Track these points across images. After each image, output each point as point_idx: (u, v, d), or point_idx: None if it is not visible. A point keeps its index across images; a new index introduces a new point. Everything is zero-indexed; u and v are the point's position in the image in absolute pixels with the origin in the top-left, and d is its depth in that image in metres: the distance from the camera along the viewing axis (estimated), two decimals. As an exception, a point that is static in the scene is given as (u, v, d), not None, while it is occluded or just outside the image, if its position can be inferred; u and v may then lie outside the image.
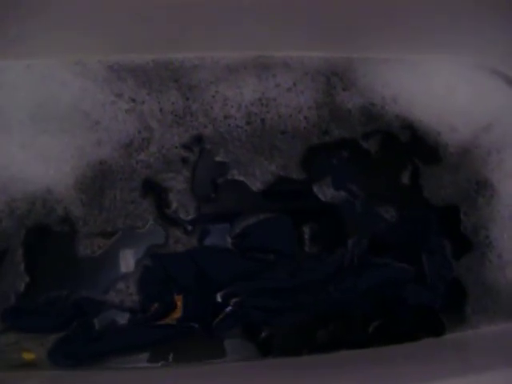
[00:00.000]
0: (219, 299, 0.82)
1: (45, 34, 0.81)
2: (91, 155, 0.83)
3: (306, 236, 0.85)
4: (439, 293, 0.87)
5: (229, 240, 0.83)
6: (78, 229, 0.81)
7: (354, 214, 0.86)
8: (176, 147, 0.85)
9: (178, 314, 0.81)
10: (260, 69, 0.88)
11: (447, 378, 0.68)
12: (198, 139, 0.86)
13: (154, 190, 0.83)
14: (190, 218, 0.83)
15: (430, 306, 0.86)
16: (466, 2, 0.83)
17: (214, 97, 0.87)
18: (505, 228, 0.89)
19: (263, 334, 0.82)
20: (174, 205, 0.83)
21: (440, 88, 0.92)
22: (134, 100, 0.85)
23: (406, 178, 0.89)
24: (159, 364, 0.79)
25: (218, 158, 0.86)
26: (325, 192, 0.86)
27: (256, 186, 0.85)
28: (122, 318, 0.80)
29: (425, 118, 0.90)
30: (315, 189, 0.86)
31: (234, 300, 0.82)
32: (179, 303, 0.81)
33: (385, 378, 0.70)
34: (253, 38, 0.85)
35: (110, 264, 0.81)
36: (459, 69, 0.93)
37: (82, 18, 0.78)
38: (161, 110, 0.85)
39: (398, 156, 0.90)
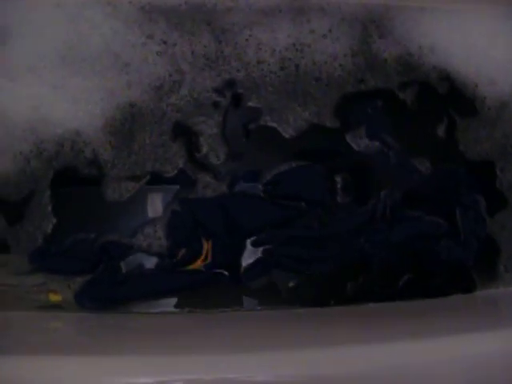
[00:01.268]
0: (248, 246, 0.80)
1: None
2: (121, 97, 0.82)
3: (339, 186, 0.83)
4: (472, 249, 0.85)
5: (259, 187, 0.82)
6: (106, 172, 0.80)
7: (388, 165, 0.85)
8: (208, 91, 0.83)
9: (206, 260, 0.79)
10: (295, 13, 0.86)
11: (476, 333, 0.66)
12: (231, 83, 0.84)
13: (184, 133, 0.82)
14: (220, 163, 0.82)
15: (463, 262, 0.85)
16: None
17: (247, 41, 0.85)
18: (541, 186, 0.87)
19: (292, 283, 0.81)
20: (205, 149, 0.82)
21: (479, 39, 0.89)
22: (165, 42, 0.83)
23: (441, 131, 0.87)
24: (185, 310, 0.79)
25: (250, 104, 0.84)
26: (358, 142, 0.85)
27: (289, 132, 0.83)
28: (149, 263, 0.79)
29: (463, 70, 0.88)
30: (349, 138, 0.85)
31: (263, 247, 0.80)
32: (207, 249, 0.79)
33: (412, 330, 0.69)
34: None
35: (137, 208, 0.80)
36: (499, 19, 0.90)
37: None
38: (192, 52, 0.84)
39: (435, 108, 0.88)
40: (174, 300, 0.79)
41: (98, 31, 0.83)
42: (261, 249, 0.81)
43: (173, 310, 0.79)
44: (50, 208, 0.79)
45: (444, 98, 0.88)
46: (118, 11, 0.84)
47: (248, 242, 0.81)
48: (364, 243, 0.82)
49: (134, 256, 0.79)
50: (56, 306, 0.77)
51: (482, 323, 0.72)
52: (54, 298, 0.77)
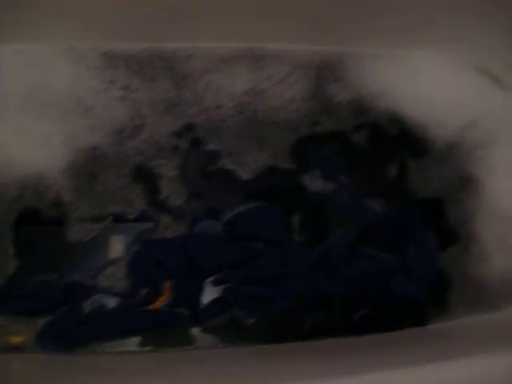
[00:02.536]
0: (208, 285, 0.82)
1: (39, 20, 0.81)
2: (83, 141, 0.84)
3: (295, 225, 0.86)
4: (424, 283, 0.88)
5: (218, 227, 0.84)
6: (68, 214, 0.82)
7: (342, 204, 0.88)
8: (168, 135, 0.86)
9: (166, 299, 0.81)
10: (253, 60, 0.90)
11: (428, 365, 0.69)
12: (190, 127, 0.87)
13: (145, 176, 0.84)
14: (180, 204, 0.84)
15: (415, 297, 0.87)
16: (457, 2, 0.85)
17: (206, 86, 0.88)
18: (487, 222, 0.91)
19: (251, 321, 0.82)
20: (165, 191, 0.84)
21: (428, 84, 0.94)
22: (126, 87, 0.86)
23: (393, 171, 0.91)
24: (147, 349, 0.80)
25: (209, 147, 0.87)
26: (314, 182, 0.88)
27: (246, 174, 0.86)
28: (111, 303, 0.81)
29: (412, 113, 0.92)
30: (305, 179, 0.88)
31: (222, 287, 0.82)
32: (168, 289, 0.81)
33: (367, 364, 0.71)
34: (246, 29, 0.86)
35: (100, 249, 0.82)
36: (447, 65, 0.95)
37: (77, 4, 0.79)
38: (153, 97, 0.86)
39: (386, 149, 0.92)
40: (136, 339, 0.80)
41: (60, 77, 0.85)
42: (220, 287, 0.82)
43: (135, 349, 0.80)
44: (12, 250, 0.80)
45: (395, 139, 0.92)
46: (80, 57, 0.86)
47: (208, 281, 0.82)
48: (320, 280, 0.84)
49: (96, 296, 0.80)
50: (18, 348, 0.78)
51: (434, 355, 0.74)
52: (16, 339, 0.78)
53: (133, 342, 0.79)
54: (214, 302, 0.82)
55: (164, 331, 0.81)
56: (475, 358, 0.69)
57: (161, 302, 0.81)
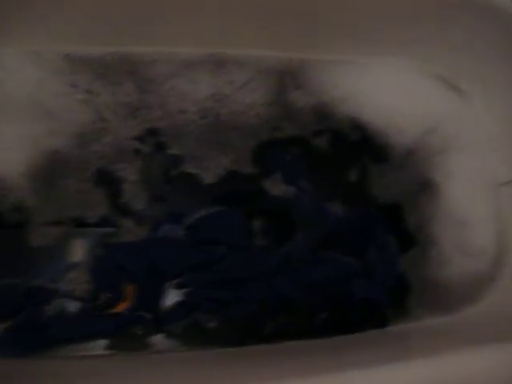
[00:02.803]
0: (170, 289, 0.82)
1: (2, 24, 0.80)
2: (45, 144, 0.84)
3: (257, 229, 0.87)
4: (384, 287, 0.89)
5: (180, 231, 0.84)
6: (29, 218, 0.81)
7: (303, 208, 0.89)
8: (130, 139, 0.86)
9: (128, 303, 0.81)
10: (215, 65, 0.91)
11: (386, 365, 0.70)
12: (153, 132, 0.87)
13: (107, 180, 0.84)
14: (142, 208, 0.84)
15: (376, 299, 0.89)
16: (416, 11, 0.87)
17: (170, 91, 0.89)
18: (445, 226, 0.93)
19: (213, 324, 0.83)
20: (127, 195, 0.84)
21: (388, 91, 0.96)
22: (89, 91, 0.86)
23: (353, 176, 0.92)
24: (109, 353, 0.79)
25: (172, 151, 0.87)
26: (275, 187, 0.89)
27: (208, 179, 0.87)
28: (73, 307, 0.80)
29: (373, 119, 0.94)
30: (266, 183, 0.89)
31: (184, 290, 0.83)
32: (130, 292, 0.81)
33: (327, 366, 0.72)
34: (209, 35, 0.87)
35: (61, 253, 0.82)
36: (407, 73, 0.97)
37: (41, 8, 0.79)
38: (116, 101, 0.87)
39: (347, 154, 0.93)
40: (98, 343, 0.79)
41: (22, 79, 0.85)
42: (182, 291, 0.83)
43: (97, 353, 0.79)
44: (-28, 254, 0.79)
45: (356, 145, 0.93)
46: (43, 60, 0.86)
47: (170, 285, 0.82)
48: (282, 284, 0.85)
49: (57, 301, 0.80)
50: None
51: (393, 356, 0.75)
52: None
53: (95, 346, 0.79)
54: (176, 305, 0.82)
55: (126, 335, 0.80)
56: (433, 358, 0.70)
57: (123, 306, 0.81)
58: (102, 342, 0.79)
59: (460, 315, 0.90)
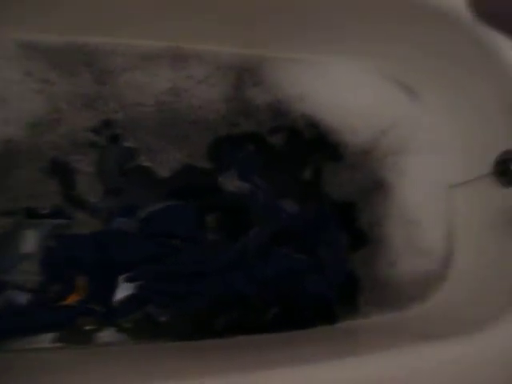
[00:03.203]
0: (122, 282, 0.82)
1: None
2: (-3, 133, 0.82)
3: (211, 224, 0.87)
4: (335, 283, 0.91)
5: (134, 224, 0.84)
6: (-20, 207, 0.80)
7: (257, 205, 0.90)
8: (85, 130, 0.85)
9: (79, 295, 0.81)
10: (174, 59, 0.91)
11: (333, 361, 0.71)
12: (108, 124, 0.87)
13: (60, 171, 0.84)
14: (96, 200, 0.84)
15: (326, 296, 0.90)
16: (376, 13, 0.89)
17: (127, 83, 0.88)
18: (397, 225, 0.95)
19: (164, 318, 0.83)
20: (81, 187, 0.84)
21: (344, 91, 0.98)
22: (44, 80, 0.85)
23: (308, 174, 0.94)
24: (57, 346, 0.79)
25: (126, 144, 0.87)
26: (230, 182, 0.89)
27: (163, 172, 0.87)
28: (23, 299, 0.79)
29: (328, 118, 0.96)
30: (221, 179, 0.90)
31: (136, 283, 0.83)
32: (81, 285, 0.81)
33: (275, 360, 0.73)
34: (169, 28, 0.87)
35: (12, 244, 0.80)
36: (363, 74, 0.99)
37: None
38: (72, 92, 0.86)
39: (302, 152, 0.95)
40: (45, 336, 0.78)
41: (-26, 66, 0.83)
42: (134, 284, 0.83)
43: (46, 345, 0.78)
44: None
45: (311, 143, 0.95)
46: (-2, 47, 0.84)
47: (122, 277, 0.82)
48: (234, 279, 0.86)
49: (7, 292, 0.79)
50: None
51: (342, 352, 0.76)
52: None
53: (43, 339, 0.78)
54: (128, 298, 0.82)
55: (75, 328, 0.79)
56: (381, 354, 0.72)
57: (74, 299, 0.80)
58: (51, 336, 0.78)
59: (408, 313, 0.93)
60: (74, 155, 0.84)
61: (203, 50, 0.92)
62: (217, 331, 0.84)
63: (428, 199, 0.99)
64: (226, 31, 0.89)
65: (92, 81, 0.87)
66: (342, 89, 0.97)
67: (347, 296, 0.91)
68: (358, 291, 0.92)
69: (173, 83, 0.90)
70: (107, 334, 0.80)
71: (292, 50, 0.94)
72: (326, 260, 0.91)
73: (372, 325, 0.91)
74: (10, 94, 0.83)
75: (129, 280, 0.82)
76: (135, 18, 0.85)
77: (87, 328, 0.80)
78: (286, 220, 0.90)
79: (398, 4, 0.86)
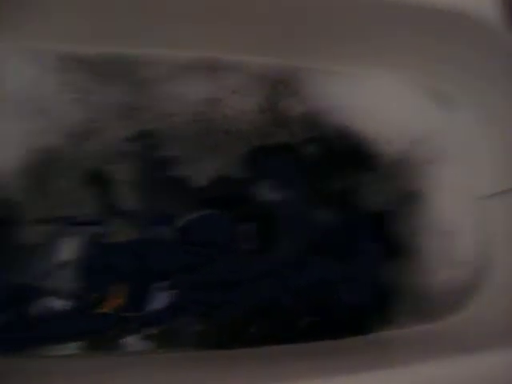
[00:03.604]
0: (158, 291, 0.83)
1: (1, 19, 0.81)
2: (37, 142, 0.84)
3: (245, 233, 0.88)
4: (369, 293, 0.91)
5: (170, 233, 0.85)
6: (19, 215, 0.81)
7: (292, 214, 0.90)
8: (123, 140, 0.87)
9: (116, 303, 0.81)
10: (210, 70, 0.92)
11: (368, 372, 0.71)
12: (145, 134, 0.88)
13: (98, 180, 0.85)
14: (133, 209, 0.85)
15: (360, 306, 0.90)
16: (413, 27, 0.89)
17: (163, 93, 0.89)
18: (432, 236, 0.94)
19: (198, 327, 0.83)
20: (118, 196, 0.85)
21: (379, 102, 0.97)
22: (83, 91, 0.87)
23: (342, 184, 0.94)
24: (94, 352, 0.80)
25: (163, 153, 0.88)
26: (264, 192, 0.89)
27: (199, 182, 0.88)
28: (60, 306, 0.80)
29: (363, 129, 0.95)
30: (255, 188, 0.90)
31: (172, 292, 0.83)
32: (118, 293, 0.81)
33: (307, 371, 0.73)
34: (206, 39, 0.88)
35: (50, 251, 0.81)
36: (399, 86, 0.99)
37: (40, 5, 0.79)
38: (110, 102, 0.87)
39: (336, 162, 0.94)
40: (82, 343, 0.80)
41: (17, 76, 0.85)
42: (170, 293, 0.83)
43: (82, 352, 0.79)
44: (-40, 251, 0.79)
45: (345, 153, 0.95)
46: (38, 58, 0.86)
47: (158, 286, 0.83)
48: (269, 288, 0.86)
49: (44, 299, 0.80)
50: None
51: (375, 363, 0.76)
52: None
53: (80, 346, 0.79)
54: (164, 307, 0.83)
55: (111, 335, 0.80)
56: (415, 366, 0.71)
57: (110, 306, 0.81)
58: (88, 342, 0.79)
59: (443, 324, 0.92)
60: (112, 164, 0.85)
61: (239, 61, 0.92)
62: (250, 340, 0.84)
63: (463, 210, 0.98)
64: (262, 42, 0.90)
65: (130, 91, 0.88)
66: (377, 100, 0.97)
67: (381, 306, 0.91)
68: (393, 301, 0.91)
69: (208, 93, 0.91)
70: (134, 342, 0.81)
71: (328, 61, 0.95)
72: (360, 270, 0.90)
73: (406, 335, 0.90)
74: (49, 105, 0.85)
75: (165, 289, 0.83)
76: (172, 29, 0.86)
77: (120, 335, 0.80)
78: (320, 230, 0.90)
79: (435, 17, 0.85)
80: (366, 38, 0.89)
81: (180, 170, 0.87)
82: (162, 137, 0.88)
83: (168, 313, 0.83)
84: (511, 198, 0.94)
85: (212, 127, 0.90)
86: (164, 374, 0.75)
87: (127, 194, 0.85)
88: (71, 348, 0.79)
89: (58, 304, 0.80)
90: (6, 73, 0.85)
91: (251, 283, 0.86)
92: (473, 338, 0.85)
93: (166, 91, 0.89)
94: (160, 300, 0.83)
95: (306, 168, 0.93)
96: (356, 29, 0.88)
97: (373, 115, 0.96)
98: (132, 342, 0.81)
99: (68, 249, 0.82)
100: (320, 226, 0.91)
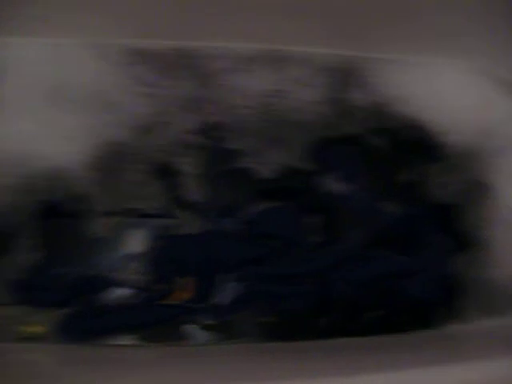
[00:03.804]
0: (225, 283, 0.83)
1: (67, 14, 0.82)
2: (107, 136, 0.85)
3: (311, 226, 0.87)
4: (436, 287, 0.89)
5: (237, 225, 0.85)
6: (89, 207, 0.83)
7: (358, 206, 0.89)
8: (190, 133, 0.87)
9: (184, 295, 0.82)
10: (276, 61, 0.91)
11: (434, 367, 0.69)
12: (212, 126, 0.88)
13: (165, 172, 0.85)
14: (200, 201, 0.85)
15: (427, 299, 0.88)
16: (484, 15, 0.86)
17: (229, 86, 0.89)
18: (502, 228, 0.92)
19: (266, 319, 0.83)
20: (186, 188, 0.85)
21: (449, 92, 0.95)
22: (150, 84, 0.87)
23: (410, 175, 0.92)
24: (163, 343, 0.81)
25: (230, 145, 0.88)
26: (331, 184, 0.89)
27: (266, 174, 0.87)
28: (129, 296, 0.82)
29: (432, 119, 0.93)
30: (320, 180, 0.89)
31: (241, 284, 0.83)
32: (186, 285, 0.82)
33: (376, 364, 0.72)
34: (271, 30, 0.88)
35: (119, 243, 0.83)
36: (469, 75, 0.96)
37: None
38: (178, 95, 0.88)
39: (404, 153, 0.93)
40: (151, 333, 0.80)
41: (86, 71, 0.86)
42: (238, 285, 0.83)
43: (150, 343, 0.80)
44: (33, 241, 0.81)
45: (414, 144, 0.93)
46: (105, 53, 0.87)
47: (226, 278, 0.83)
48: (335, 281, 0.85)
49: (113, 290, 0.81)
50: (35, 338, 0.78)
51: (445, 357, 0.74)
52: (34, 329, 0.79)
53: (147, 336, 0.80)
54: (232, 299, 0.83)
55: (180, 326, 0.81)
56: (486, 361, 0.70)
57: (178, 298, 0.82)
58: (156, 332, 0.81)
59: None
60: (179, 157, 0.86)
61: (304, 52, 0.92)
62: (316, 333, 0.84)
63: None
64: (328, 32, 0.89)
65: (196, 84, 0.88)
66: (446, 90, 0.95)
67: (449, 300, 0.89)
68: (461, 295, 0.89)
69: (274, 85, 0.90)
70: (207, 333, 0.81)
71: (396, 51, 0.93)
72: (427, 262, 0.89)
73: (475, 330, 0.88)
74: (117, 98, 0.86)
75: (232, 281, 0.83)
76: (238, 21, 0.85)
77: (189, 326, 0.81)
78: (387, 222, 0.89)
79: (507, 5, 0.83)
80: (436, 26, 0.87)
81: (245, 162, 0.87)
82: (229, 129, 0.88)
83: (234, 305, 0.83)
84: None
85: (277, 119, 0.89)
86: (227, 364, 0.75)
87: (193, 186, 0.85)
88: (134, 338, 0.80)
89: (127, 295, 0.81)
90: (74, 67, 0.86)
91: (317, 276, 0.85)
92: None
93: (232, 83, 0.89)
94: (227, 292, 0.83)
95: (372, 159, 0.91)
96: (425, 18, 0.86)
97: (442, 105, 0.94)
98: (196, 332, 0.81)
99: (135, 241, 0.83)
100: (386, 218, 0.89)
